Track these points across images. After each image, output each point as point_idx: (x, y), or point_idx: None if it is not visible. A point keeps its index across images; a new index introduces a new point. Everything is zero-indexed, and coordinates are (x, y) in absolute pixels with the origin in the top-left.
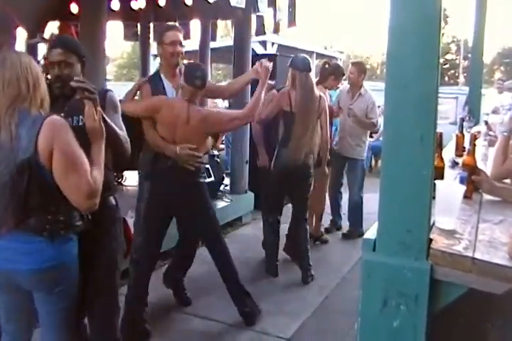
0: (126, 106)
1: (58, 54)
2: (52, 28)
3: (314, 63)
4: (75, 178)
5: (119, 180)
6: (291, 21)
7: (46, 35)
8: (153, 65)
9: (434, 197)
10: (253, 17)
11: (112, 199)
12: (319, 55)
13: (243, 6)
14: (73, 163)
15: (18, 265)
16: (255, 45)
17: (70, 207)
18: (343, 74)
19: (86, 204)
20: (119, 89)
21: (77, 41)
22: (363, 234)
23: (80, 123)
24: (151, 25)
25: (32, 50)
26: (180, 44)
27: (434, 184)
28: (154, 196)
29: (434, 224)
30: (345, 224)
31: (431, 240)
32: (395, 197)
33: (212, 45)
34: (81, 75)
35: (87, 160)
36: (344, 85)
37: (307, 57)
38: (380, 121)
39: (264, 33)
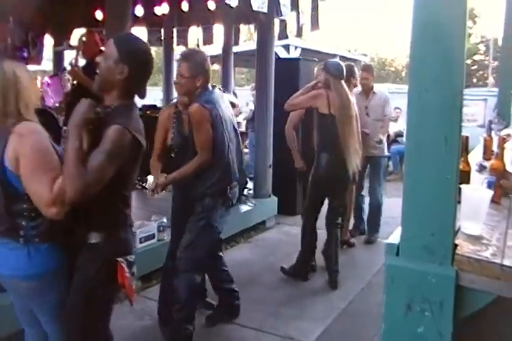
0: None
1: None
2: (77, 35)
3: None
4: (36, 185)
5: (143, 184)
6: (314, 25)
7: (72, 42)
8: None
9: (459, 202)
10: (276, 21)
11: (100, 237)
12: (342, 58)
13: (265, 10)
14: (36, 172)
15: (1, 269)
16: (278, 49)
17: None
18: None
19: (46, 211)
20: None
21: (135, 43)
22: (377, 239)
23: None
24: (175, 30)
25: (58, 57)
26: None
27: (460, 188)
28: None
29: (459, 229)
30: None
31: (456, 245)
32: (418, 200)
33: (235, 49)
34: (117, 77)
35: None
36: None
37: (341, 63)
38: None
39: (287, 37)
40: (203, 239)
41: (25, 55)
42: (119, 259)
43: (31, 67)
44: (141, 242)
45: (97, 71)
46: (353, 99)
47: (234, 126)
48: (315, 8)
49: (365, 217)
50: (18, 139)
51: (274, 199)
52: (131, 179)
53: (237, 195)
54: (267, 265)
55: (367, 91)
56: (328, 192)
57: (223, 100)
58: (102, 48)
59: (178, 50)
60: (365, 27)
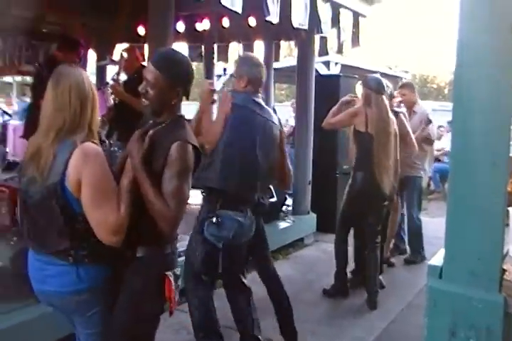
0: None
1: (147, 67)
2: (119, 50)
3: None
4: (99, 212)
5: None
6: (355, 41)
7: (115, 57)
8: (218, 84)
9: (507, 225)
10: (316, 37)
11: (149, 251)
12: (383, 75)
13: (306, 27)
14: (101, 197)
15: (47, 286)
16: (318, 65)
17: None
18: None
19: (107, 239)
20: (183, 109)
21: (180, 64)
22: (425, 259)
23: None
24: (215, 46)
25: (101, 71)
26: None
27: (508, 211)
28: None
29: (507, 253)
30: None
31: (504, 270)
32: (463, 223)
33: (275, 65)
34: (173, 102)
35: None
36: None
37: (381, 78)
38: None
39: (327, 54)
40: (194, 252)
41: None
42: (168, 273)
43: None
44: (179, 256)
45: (147, 99)
46: (392, 116)
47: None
48: (356, 25)
49: (406, 236)
50: (82, 160)
51: (313, 216)
52: None
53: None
54: (306, 282)
55: (408, 110)
56: (362, 210)
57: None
58: (144, 63)
59: (218, 66)
60: (406, 43)
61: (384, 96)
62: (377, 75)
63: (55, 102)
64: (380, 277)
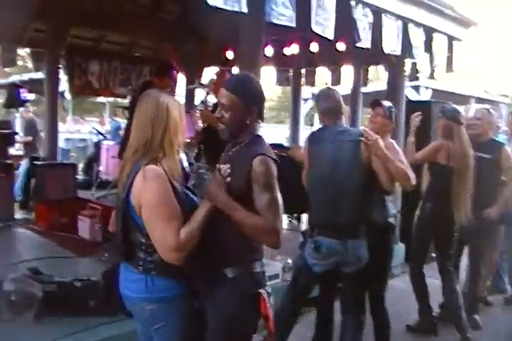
0: None
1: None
2: (208, 74)
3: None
4: (159, 232)
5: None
6: (449, 66)
7: (203, 80)
8: (304, 108)
9: None
10: (407, 61)
11: (238, 271)
12: (479, 100)
13: (398, 53)
14: (158, 217)
15: (127, 291)
16: (408, 89)
17: None
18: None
19: (167, 256)
20: (269, 132)
21: (251, 85)
22: None
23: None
24: (303, 70)
25: (190, 95)
26: None
27: None
28: None
29: None
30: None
31: None
32: None
33: (363, 89)
34: (248, 122)
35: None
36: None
37: (455, 106)
38: None
39: (418, 79)
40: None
41: None
42: (261, 291)
43: None
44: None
45: (223, 123)
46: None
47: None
48: (450, 49)
49: (506, 275)
50: (141, 182)
51: (402, 246)
52: None
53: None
54: (392, 314)
55: None
56: (431, 242)
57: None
58: None
59: (305, 90)
60: (505, 65)
61: (463, 127)
62: (472, 101)
63: (135, 125)
64: (476, 316)
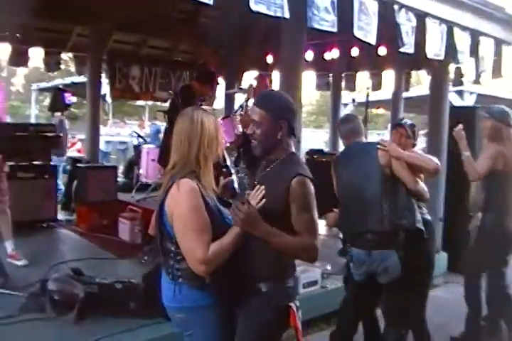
0: None
1: (251, 110)
2: (248, 78)
3: None
4: (188, 243)
5: None
6: (497, 71)
7: (243, 85)
8: (344, 113)
9: None
10: (451, 66)
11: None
12: None
13: (442, 58)
14: (189, 230)
15: (163, 298)
16: (451, 94)
17: None
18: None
19: (194, 268)
20: (308, 136)
21: (279, 99)
22: None
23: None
24: (343, 74)
25: (229, 99)
26: None
27: None
28: None
29: None
30: None
31: None
32: None
33: (405, 94)
34: (280, 137)
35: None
36: None
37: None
38: None
39: (462, 84)
40: None
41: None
42: (291, 304)
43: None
44: (304, 287)
45: (255, 139)
46: None
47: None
48: (498, 53)
49: None
50: (174, 195)
51: (444, 255)
52: None
53: None
54: (433, 326)
55: None
56: (489, 254)
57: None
58: None
59: (345, 95)
60: None
61: None
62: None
63: (174, 141)
64: None
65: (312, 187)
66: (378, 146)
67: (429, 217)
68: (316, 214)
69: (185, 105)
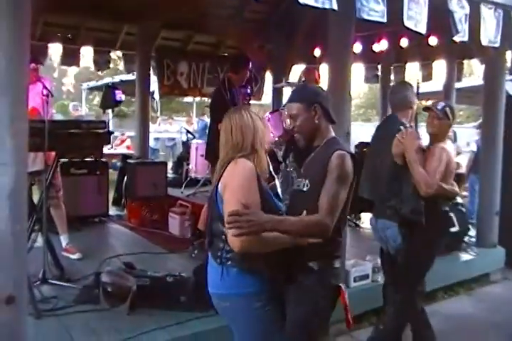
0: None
1: (286, 108)
2: (296, 71)
3: None
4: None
5: (356, 221)
6: None
7: (291, 78)
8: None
9: None
10: (508, 53)
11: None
12: None
13: (497, 44)
14: (237, 200)
15: (209, 286)
16: (508, 83)
17: None
18: None
19: (231, 241)
20: (356, 130)
21: (305, 88)
22: None
23: (304, 188)
24: (392, 66)
25: (277, 93)
26: None
27: None
28: None
29: None
30: None
31: None
32: None
33: (457, 85)
34: (316, 120)
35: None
36: None
37: None
38: None
39: None
40: None
41: (249, 91)
42: (341, 285)
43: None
44: (355, 281)
45: (297, 132)
46: None
47: None
48: None
49: None
50: (231, 169)
51: (501, 250)
52: (345, 209)
53: None
54: (491, 324)
55: None
56: None
57: None
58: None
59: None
60: None
61: None
62: None
63: (223, 138)
64: None
65: (349, 162)
66: (397, 135)
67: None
68: (343, 192)
69: (232, 99)
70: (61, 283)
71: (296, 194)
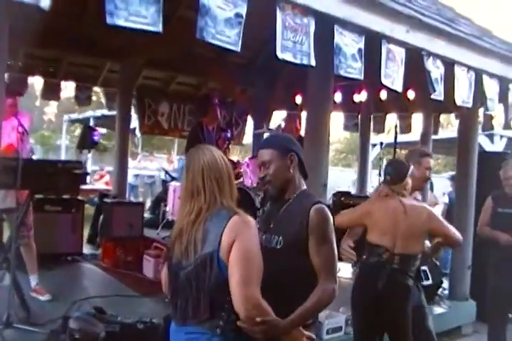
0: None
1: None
2: (276, 118)
3: None
4: (242, 276)
5: None
6: None
7: (272, 125)
8: (372, 154)
9: None
10: (480, 111)
11: None
12: None
13: (470, 105)
14: (246, 259)
15: None
16: (481, 137)
17: None
18: None
19: (239, 304)
20: (336, 175)
21: (279, 136)
22: None
23: (278, 246)
24: (371, 116)
25: (258, 139)
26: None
27: None
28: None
29: None
30: None
31: None
32: None
33: (434, 136)
34: (291, 170)
35: None
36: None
37: None
38: None
39: (493, 129)
40: None
41: (229, 135)
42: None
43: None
44: (327, 333)
45: (268, 182)
46: None
47: None
48: None
49: None
50: (241, 224)
51: (472, 303)
52: None
53: None
54: None
55: None
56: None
57: None
58: (302, 134)
59: (373, 136)
60: None
61: None
62: None
63: (189, 188)
64: None
65: (331, 216)
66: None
67: None
68: (335, 247)
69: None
70: (26, 327)
71: (268, 251)
